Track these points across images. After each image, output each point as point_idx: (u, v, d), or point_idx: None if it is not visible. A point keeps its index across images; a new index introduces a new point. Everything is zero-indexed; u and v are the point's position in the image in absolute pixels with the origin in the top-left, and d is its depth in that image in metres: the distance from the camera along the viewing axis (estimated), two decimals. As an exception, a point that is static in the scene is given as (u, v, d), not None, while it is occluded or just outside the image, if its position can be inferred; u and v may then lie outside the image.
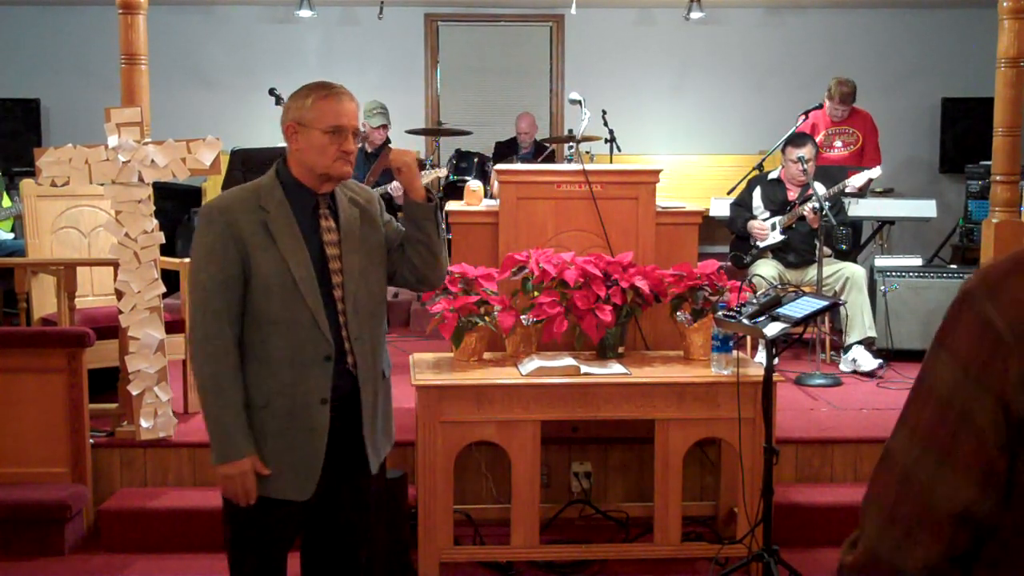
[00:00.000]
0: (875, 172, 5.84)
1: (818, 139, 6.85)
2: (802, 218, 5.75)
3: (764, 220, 5.93)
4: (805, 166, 5.67)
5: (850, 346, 5.67)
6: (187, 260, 5.00)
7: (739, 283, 4.02)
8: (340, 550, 2.81)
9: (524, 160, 8.04)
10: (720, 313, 3.83)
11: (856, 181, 5.79)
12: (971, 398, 1.16)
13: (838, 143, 6.95)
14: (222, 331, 2.55)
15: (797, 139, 5.91)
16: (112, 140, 4.41)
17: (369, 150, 7.06)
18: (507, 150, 8.33)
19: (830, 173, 6.21)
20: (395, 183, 6.83)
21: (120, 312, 4.44)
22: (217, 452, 2.58)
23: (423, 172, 7.06)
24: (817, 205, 5.47)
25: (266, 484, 2.60)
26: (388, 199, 6.89)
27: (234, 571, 2.74)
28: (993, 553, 1.19)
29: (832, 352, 5.94)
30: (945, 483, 1.17)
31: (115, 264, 4.45)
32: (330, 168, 2.63)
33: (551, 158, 8.11)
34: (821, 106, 6.97)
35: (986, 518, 1.16)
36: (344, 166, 2.63)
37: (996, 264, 1.19)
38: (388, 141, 7.13)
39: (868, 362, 5.60)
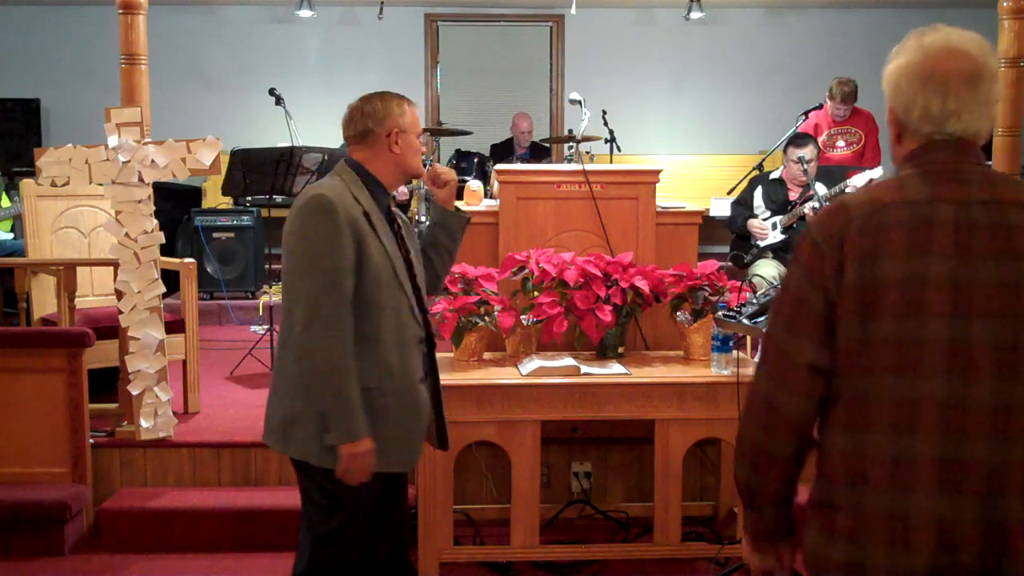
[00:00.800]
0: (876, 172, 5.83)
1: (821, 139, 6.84)
2: (803, 218, 5.75)
3: (765, 220, 5.93)
4: (806, 166, 5.67)
5: None
6: (188, 261, 5.03)
7: (739, 283, 4.02)
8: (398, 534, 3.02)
9: (521, 161, 8.03)
10: (720, 313, 3.83)
11: (857, 181, 5.78)
12: (807, 289, 1.81)
13: (841, 143, 6.95)
14: (344, 316, 2.67)
15: (798, 139, 5.91)
16: (112, 140, 4.41)
17: None
18: (503, 151, 8.32)
19: (832, 173, 6.20)
20: (401, 187, 6.83)
21: (120, 312, 4.44)
22: (344, 432, 2.66)
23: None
24: (817, 205, 5.47)
25: (376, 460, 2.73)
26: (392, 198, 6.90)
27: (336, 553, 2.80)
28: (839, 413, 1.81)
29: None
30: (797, 344, 1.82)
31: (115, 264, 4.45)
32: (419, 168, 2.94)
33: (548, 160, 8.10)
34: (821, 106, 6.97)
35: (827, 369, 1.81)
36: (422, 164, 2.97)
37: (823, 208, 1.86)
38: None
39: None
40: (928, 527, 1.75)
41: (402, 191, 6.85)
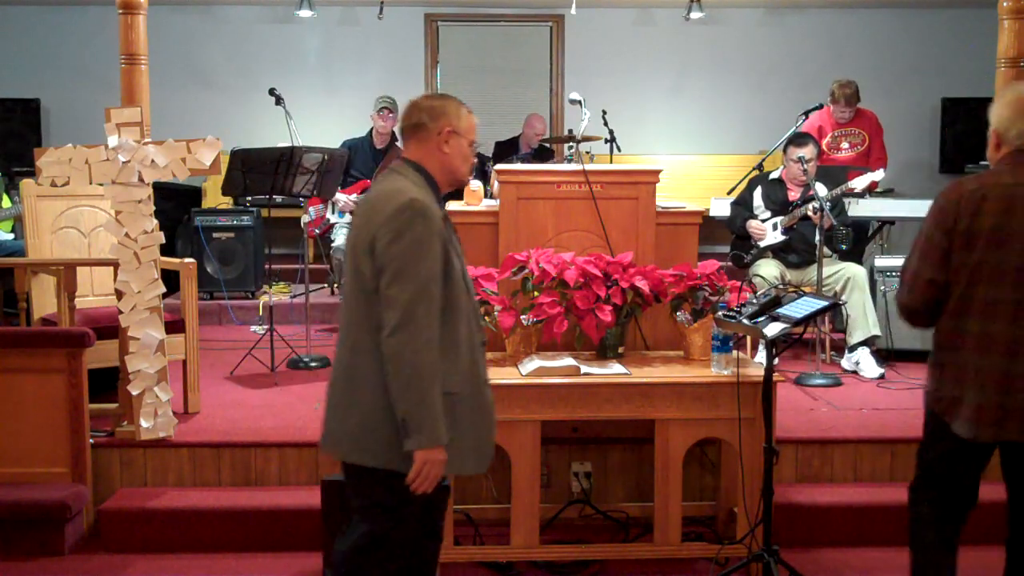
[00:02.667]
0: (878, 175, 5.82)
1: (825, 141, 6.84)
2: (805, 218, 5.74)
3: (765, 220, 5.93)
4: (806, 166, 5.66)
5: (854, 347, 5.65)
6: (188, 261, 5.03)
7: (739, 283, 4.02)
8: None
9: (523, 161, 8.02)
10: (720, 313, 3.83)
11: (858, 184, 5.77)
12: (934, 233, 2.97)
13: (845, 144, 6.94)
14: (434, 322, 2.67)
15: (798, 139, 5.90)
16: (112, 140, 4.41)
17: (379, 146, 7.05)
18: (507, 149, 8.32)
19: (831, 173, 6.20)
20: None
21: (120, 312, 4.44)
22: (427, 436, 2.65)
23: None
24: (817, 205, 5.47)
25: (452, 464, 2.75)
26: None
27: (398, 558, 2.82)
28: (951, 307, 2.96)
29: (832, 352, 5.93)
30: (924, 267, 2.99)
31: (115, 264, 4.45)
32: (465, 176, 2.94)
33: (550, 160, 8.10)
34: (821, 106, 6.96)
35: (942, 282, 2.96)
36: (470, 175, 3.01)
37: (947, 185, 3.04)
38: (395, 137, 7.12)
39: (872, 369, 5.56)
40: (997, 379, 2.91)
41: None
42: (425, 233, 2.67)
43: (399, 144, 7.14)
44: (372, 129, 7.04)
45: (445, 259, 2.71)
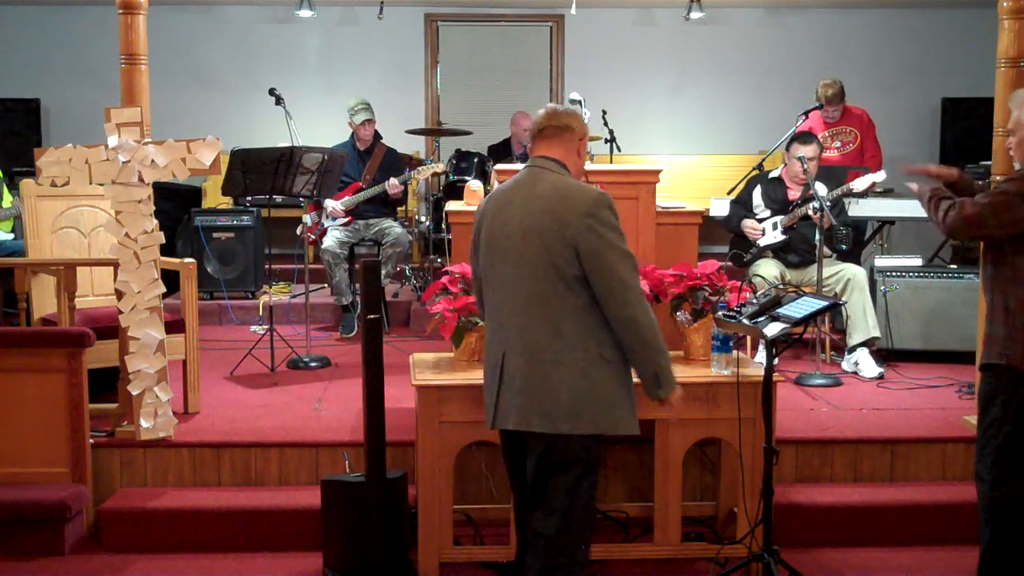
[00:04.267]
0: (879, 176, 5.82)
1: (816, 141, 6.85)
2: (805, 218, 5.74)
3: (764, 219, 5.93)
4: (806, 165, 5.66)
5: (854, 348, 5.66)
6: (188, 261, 5.03)
7: (739, 283, 4.02)
8: None
9: (520, 161, 8.01)
10: (720, 313, 3.83)
11: (859, 185, 5.78)
12: (1018, 204, 3.38)
13: (836, 143, 6.95)
14: None
15: (802, 137, 5.90)
16: (112, 140, 4.41)
17: (361, 148, 7.04)
18: (501, 152, 8.31)
19: (833, 173, 6.20)
20: (392, 180, 6.82)
21: (120, 312, 4.44)
22: (674, 381, 3.17)
23: (421, 168, 7.01)
24: (818, 205, 5.47)
25: (629, 423, 3.19)
26: (384, 195, 6.89)
27: (587, 496, 3.19)
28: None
29: (832, 352, 5.94)
30: (990, 220, 3.38)
31: (115, 264, 4.45)
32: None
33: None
34: (821, 106, 6.97)
35: (999, 237, 3.40)
36: None
37: (1017, 177, 3.46)
38: (379, 137, 7.12)
39: (871, 369, 5.57)
40: None
41: (393, 183, 6.80)
42: (617, 219, 3.10)
43: (383, 142, 7.13)
44: (353, 133, 7.04)
45: None
